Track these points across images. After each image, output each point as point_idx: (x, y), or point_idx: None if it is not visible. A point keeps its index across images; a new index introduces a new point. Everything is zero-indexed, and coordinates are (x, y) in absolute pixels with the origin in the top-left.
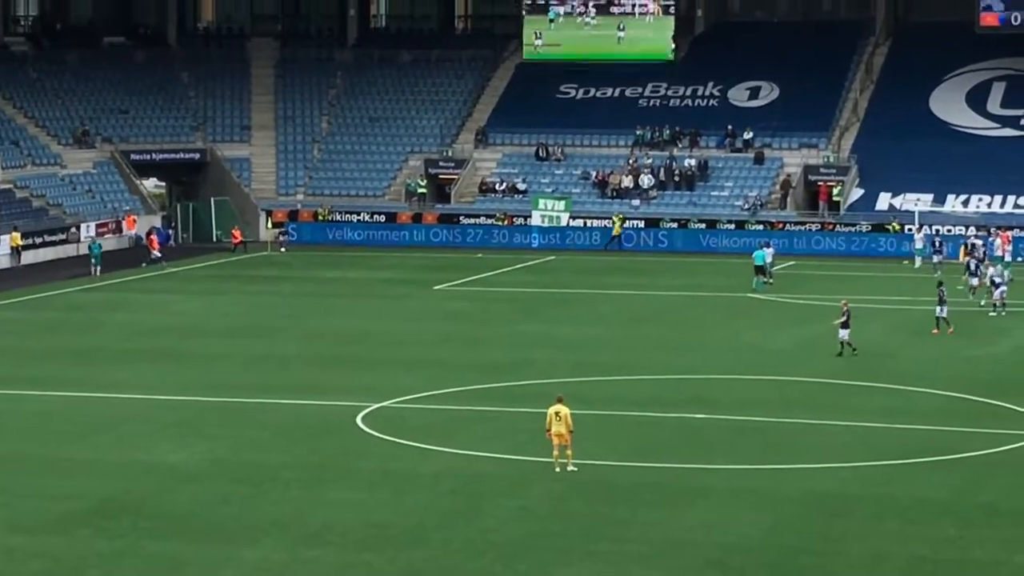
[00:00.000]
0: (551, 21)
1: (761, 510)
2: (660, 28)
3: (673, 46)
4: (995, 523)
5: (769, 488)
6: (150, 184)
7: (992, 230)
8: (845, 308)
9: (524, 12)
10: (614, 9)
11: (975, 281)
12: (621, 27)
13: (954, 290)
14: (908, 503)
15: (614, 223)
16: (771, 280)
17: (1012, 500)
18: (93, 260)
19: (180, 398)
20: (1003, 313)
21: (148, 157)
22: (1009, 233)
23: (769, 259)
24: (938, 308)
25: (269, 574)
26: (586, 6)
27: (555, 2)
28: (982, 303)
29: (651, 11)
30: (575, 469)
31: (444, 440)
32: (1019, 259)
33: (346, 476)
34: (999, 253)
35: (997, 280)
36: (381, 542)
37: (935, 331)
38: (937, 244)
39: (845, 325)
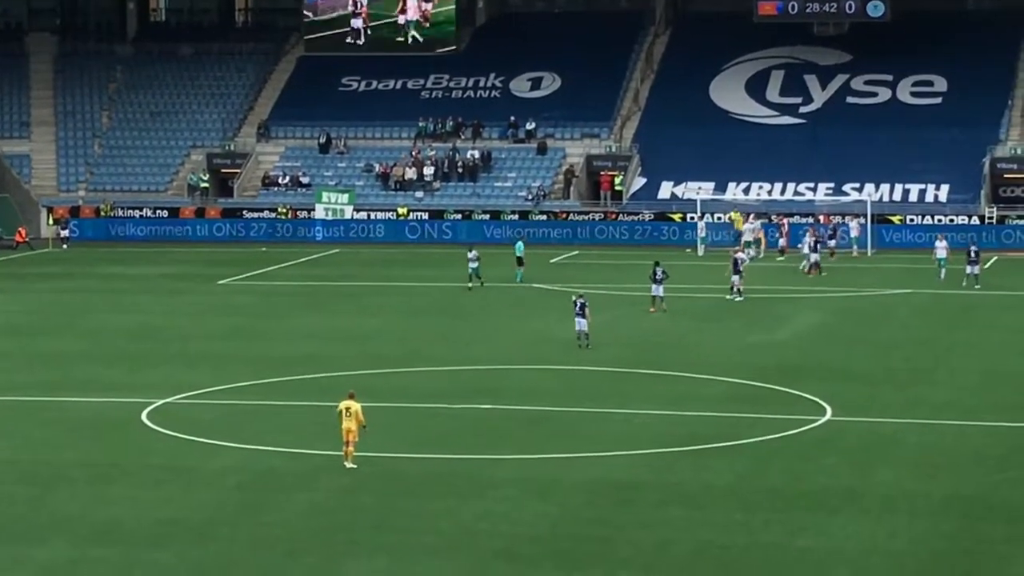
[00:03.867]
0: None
1: (548, 500)
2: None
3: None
4: (779, 507)
5: (556, 477)
6: None
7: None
8: (579, 300)
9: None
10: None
11: (815, 257)
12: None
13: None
14: (694, 489)
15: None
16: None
17: (796, 484)
18: None
19: None
20: (738, 299)
21: None
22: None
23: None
24: (653, 287)
25: (57, 574)
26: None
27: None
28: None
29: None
30: (354, 466)
31: (231, 435)
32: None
33: (132, 473)
34: (749, 238)
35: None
36: (169, 539)
37: (652, 309)
38: (783, 231)
39: (581, 315)
